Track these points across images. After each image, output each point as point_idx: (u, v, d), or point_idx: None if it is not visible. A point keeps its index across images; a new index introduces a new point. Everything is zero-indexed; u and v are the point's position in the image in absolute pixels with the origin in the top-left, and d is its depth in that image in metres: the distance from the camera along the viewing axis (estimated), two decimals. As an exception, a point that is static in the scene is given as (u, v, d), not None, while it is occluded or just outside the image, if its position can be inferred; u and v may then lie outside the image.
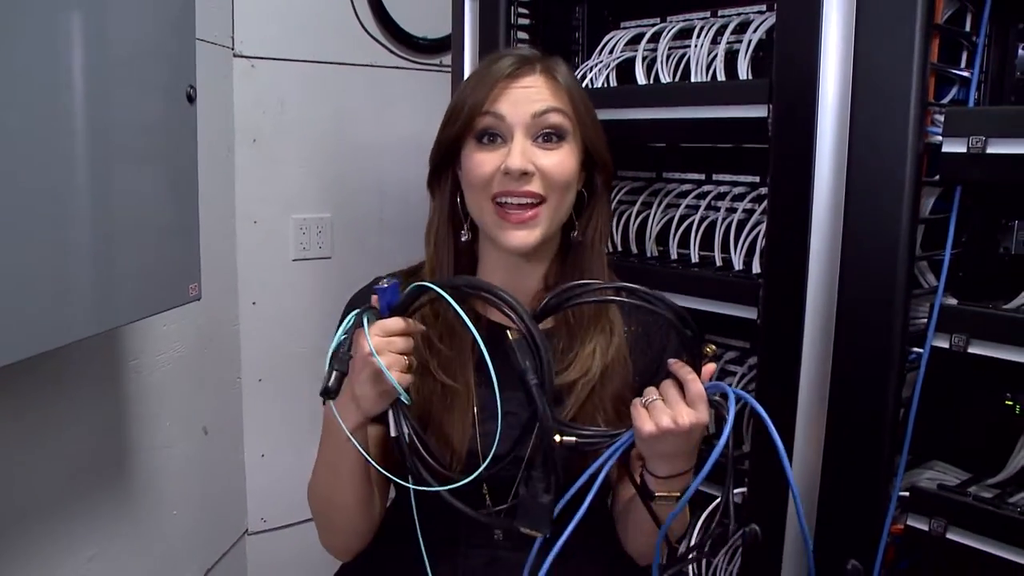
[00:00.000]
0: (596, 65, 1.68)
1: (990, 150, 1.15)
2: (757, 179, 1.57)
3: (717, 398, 1.07)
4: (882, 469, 1.25)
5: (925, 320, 1.25)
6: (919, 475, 1.33)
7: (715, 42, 1.52)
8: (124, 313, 1.38)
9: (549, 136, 1.16)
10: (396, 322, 1.05)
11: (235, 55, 2.13)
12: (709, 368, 1.08)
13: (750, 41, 1.46)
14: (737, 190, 1.58)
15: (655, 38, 1.61)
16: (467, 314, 1.16)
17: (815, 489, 1.30)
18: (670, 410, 1.05)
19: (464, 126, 1.16)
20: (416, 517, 1.14)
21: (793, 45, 1.27)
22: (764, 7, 1.52)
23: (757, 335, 1.42)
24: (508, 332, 1.04)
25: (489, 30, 1.70)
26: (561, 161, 1.16)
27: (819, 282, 1.27)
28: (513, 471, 1.10)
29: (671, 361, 1.08)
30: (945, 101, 1.28)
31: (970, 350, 1.19)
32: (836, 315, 1.26)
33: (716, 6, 1.59)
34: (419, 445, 1.09)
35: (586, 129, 1.19)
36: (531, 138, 1.15)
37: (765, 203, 1.51)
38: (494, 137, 1.16)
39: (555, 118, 1.15)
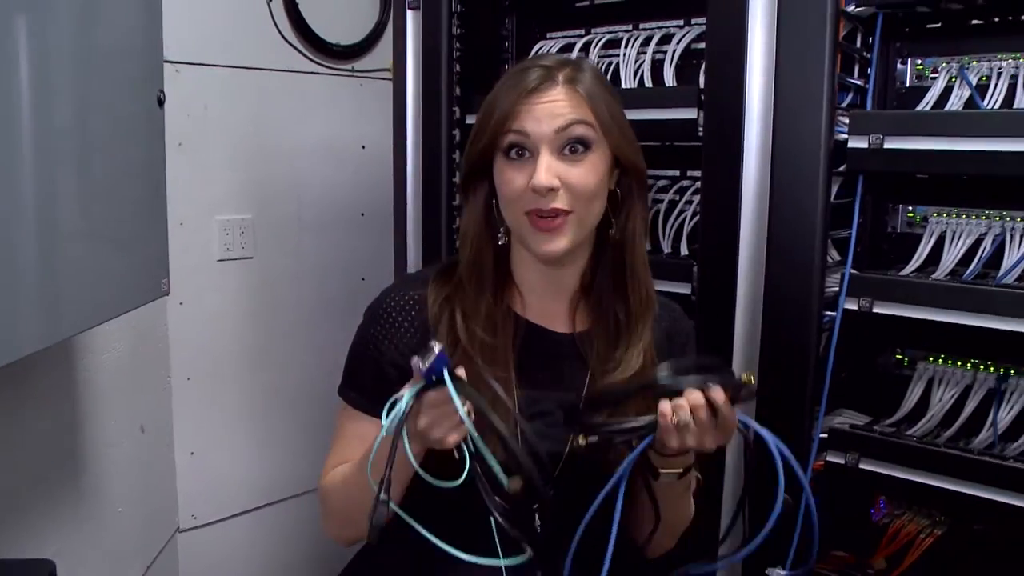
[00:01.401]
0: (527, 72, 1.85)
1: (887, 146, 1.40)
2: (677, 173, 1.79)
3: (745, 422, 1.09)
4: (805, 416, 1.49)
5: (835, 288, 1.49)
6: (831, 420, 1.58)
7: (640, 52, 1.73)
8: (107, 309, 1.44)
9: (575, 147, 1.15)
10: (442, 393, 1.02)
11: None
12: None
13: (674, 52, 1.67)
14: (660, 183, 1.79)
15: (585, 48, 1.80)
16: (505, 311, 1.24)
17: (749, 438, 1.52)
18: (700, 434, 1.06)
19: (490, 142, 1.17)
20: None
21: (722, 57, 1.49)
22: (681, 22, 1.73)
23: (688, 309, 1.64)
24: (508, 482, 1.03)
25: (430, 40, 1.84)
26: (586, 173, 1.15)
27: (748, 260, 1.50)
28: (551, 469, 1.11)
29: (711, 386, 1.07)
30: (843, 105, 1.53)
31: (875, 310, 1.44)
32: (764, 288, 1.49)
33: (636, 20, 1.80)
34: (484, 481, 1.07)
35: (612, 136, 1.18)
36: (556, 152, 1.14)
37: (688, 193, 1.74)
38: (521, 152, 1.16)
39: (578, 130, 1.15)
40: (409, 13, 1.85)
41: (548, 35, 1.93)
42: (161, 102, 1.56)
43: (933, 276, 1.47)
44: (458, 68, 1.87)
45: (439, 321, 1.22)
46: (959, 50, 1.53)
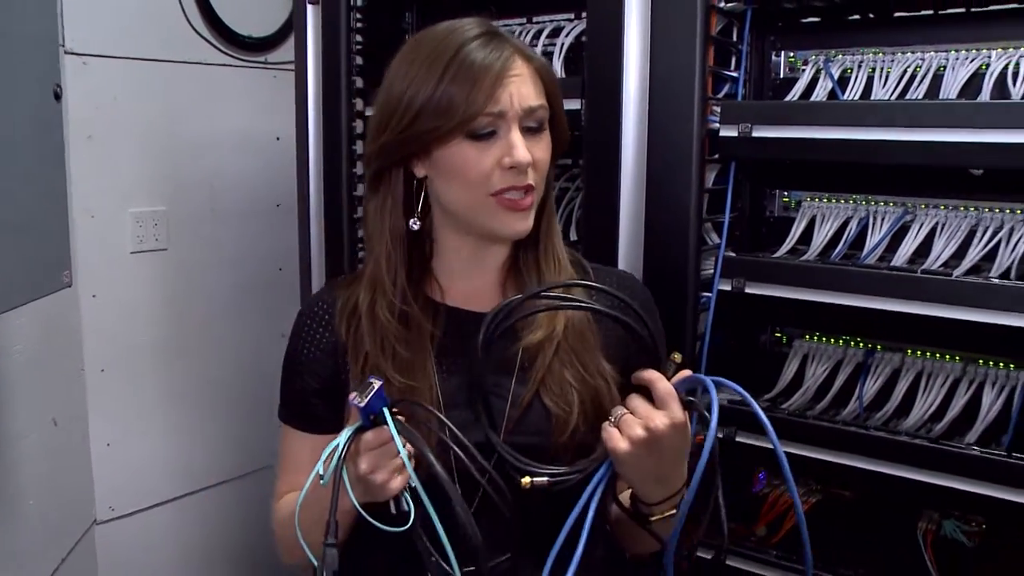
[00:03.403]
0: (427, 65, 1.90)
1: (755, 134, 1.48)
2: (570, 161, 1.85)
3: (691, 399, 1.04)
4: (684, 393, 1.56)
5: (712, 271, 1.57)
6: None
7: (532, 45, 1.78)
8: (3, 300, 1.46)
9: (536, 128, 1.14)
10: (381, 433, 1.00)
11: (66, 52, 2.17)
12: (683, 374, 1.05)
13: (563, 44, 1.73)
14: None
15: (480, 41, 1.85)
16: (422, 303, 1.20)
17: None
18: (641, 419, 1.01)
19: (459, 124, 1.10)
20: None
21: (601, 50, 1.55)
22: (572, 15, 1.79)
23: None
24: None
25: (330, 34, 1.88)
26: (546, 149, 1.16)
27: (628, 243, 1.56)
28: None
29: (633, 375, 1.06)
30: (721, 95, 1.60)
31: (747, 291, 1.52)
32: (643, 269, 1.55)
33: (531, 13, 1.86)
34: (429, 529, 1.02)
35: (557, 112, 1.19)
36: (521, 128, 1.12)
37: (578, 180, 1.80)
38: (489, 133, 1.11)
39: (541, 112, 1.14)
40: (309, 7, 1.89)
41: (447, 28, 1.98)
42: (58, 95, 1.57)
43: (803, 257, 1.56)
44: (359, 61, 1.91)
45: (348, 327, 1.20)
46: (827, 44, 1.61)
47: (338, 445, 1.00)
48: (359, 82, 1.92)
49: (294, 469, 1.24)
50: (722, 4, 1.53)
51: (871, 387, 1.56)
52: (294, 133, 2.06)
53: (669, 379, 1.04)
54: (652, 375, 1.03)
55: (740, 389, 1.03)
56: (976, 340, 1.45)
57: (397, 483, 1.00)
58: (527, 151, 1.11)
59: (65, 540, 2.22)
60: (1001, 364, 1.46)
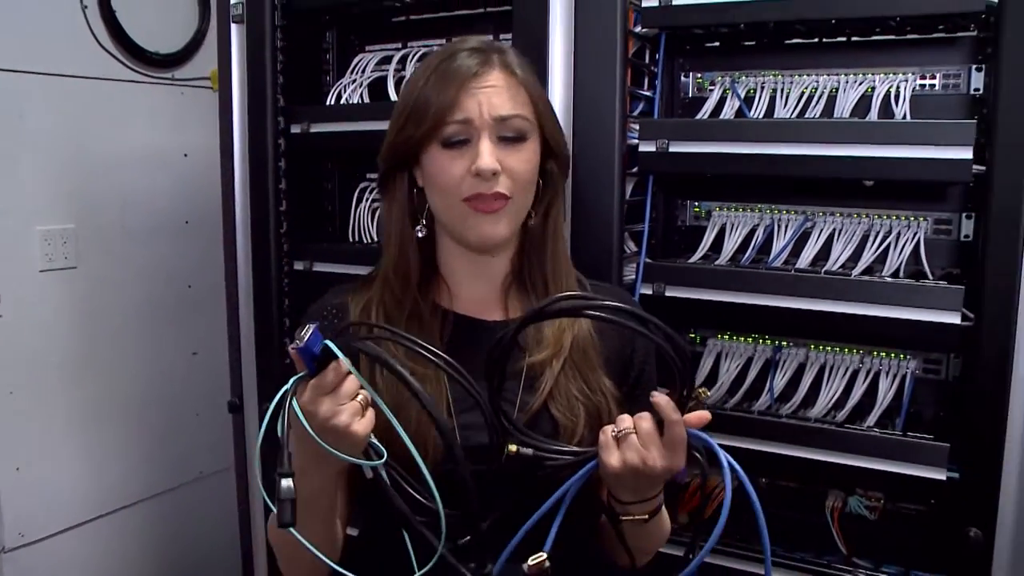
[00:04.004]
0: (349, 84, 1.96)
1: (672, 149, 1.60)
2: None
3: (697, 453, 1.02)
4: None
5: (633, 276, 1.68)
6: (635, 394, 1.76)
7: (454, 65, 1.86)
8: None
9: (514, 137, 1.16)
10: (325, 375, 0.98)
11: (-32, 67, 2.13)
12: (702, 415, 1.04)
13: (485, 65, 1.81)
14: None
15: (403, 61, 1.92)
16: (431, 307, 1.23)
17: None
18: (643, 449, 1.02)
19: (429, 131, 1.14)
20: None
21: (527, 71, 1.64)
22: (490, 37, 1.88)
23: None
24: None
25: (255, 53, 1.91)
26: (524, 159, 1.17)
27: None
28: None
29: (655, 394, 1.03)
30: (636, 113, 1.72)
31: (667, 294, 1.64)
32: (572, 277, 1.65)
33: (449, 34, 1.93)
34: (402, 484, 1.06)
35: (545, 123, 1.21)
36: (495, 138, 1.15)
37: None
38: (461, 140, 1.15)
39: (518, 123, 1.16)
40: (233, 26, 1.91)
41: (367, 48, 2.04)
42: (-20, 114, 1.56)
43: (716, 263, 1.69)
44: (281, 79, 1.94)
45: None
46: (732, 66, 1.75)
47: (286, 390, 0.99)
48: (281, 100, 1.96)
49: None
50: (637, 29, 1.65)
51: (780, 380, 1.70)
52: (203, 150, 2.07)
53: (683, 410, 1.02)
54: (674, 414, 1.01)
55: (741, 472, 1.02)
56: (872, 334, 1.60)
57: (362, 425, 1.00)
58: (493, 159, 1.13)
59: (-24, 570, 2.16)
60: (894, 355, 1.62)
